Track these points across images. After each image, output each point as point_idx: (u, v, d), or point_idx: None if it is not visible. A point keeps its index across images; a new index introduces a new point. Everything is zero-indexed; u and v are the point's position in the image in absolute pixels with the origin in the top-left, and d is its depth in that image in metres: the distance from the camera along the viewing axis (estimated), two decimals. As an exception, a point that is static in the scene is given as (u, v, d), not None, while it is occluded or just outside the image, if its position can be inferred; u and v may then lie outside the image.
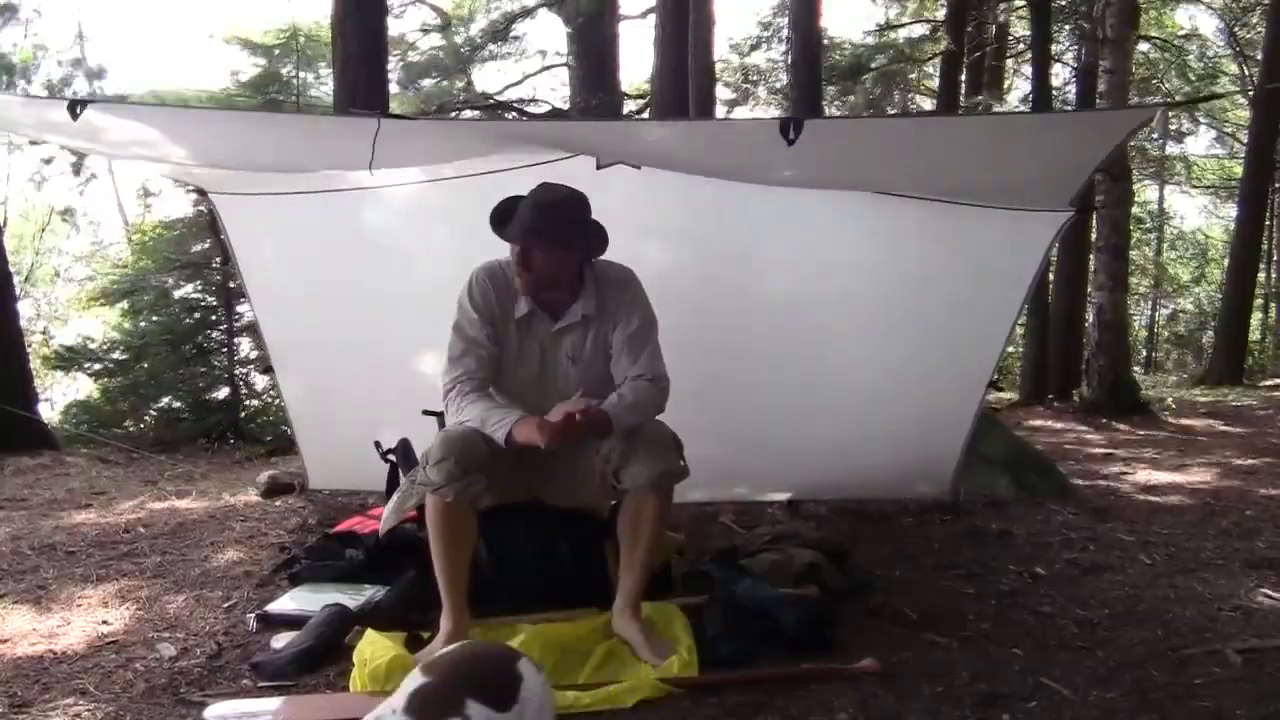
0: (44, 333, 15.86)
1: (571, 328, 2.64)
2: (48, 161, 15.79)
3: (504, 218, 2.59)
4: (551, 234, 2.52)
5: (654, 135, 3.29)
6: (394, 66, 12.33)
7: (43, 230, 19.32)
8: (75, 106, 2.59)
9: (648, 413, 2.55)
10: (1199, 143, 21.51)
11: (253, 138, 3.27)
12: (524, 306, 2.63)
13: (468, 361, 2.58)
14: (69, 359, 8.57)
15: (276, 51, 9.93)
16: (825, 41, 11.95)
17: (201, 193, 3.92)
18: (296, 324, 4.14)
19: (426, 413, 3.26)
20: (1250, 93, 14.31)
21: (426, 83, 14.44)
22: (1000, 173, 3.04)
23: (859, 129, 3.60)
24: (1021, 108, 14.75)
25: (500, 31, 14.52)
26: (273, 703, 2.19)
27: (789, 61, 12.08)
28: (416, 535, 2.89)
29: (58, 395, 12.25)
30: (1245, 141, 15.20)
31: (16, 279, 9.94)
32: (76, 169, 15.68)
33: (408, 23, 14.75)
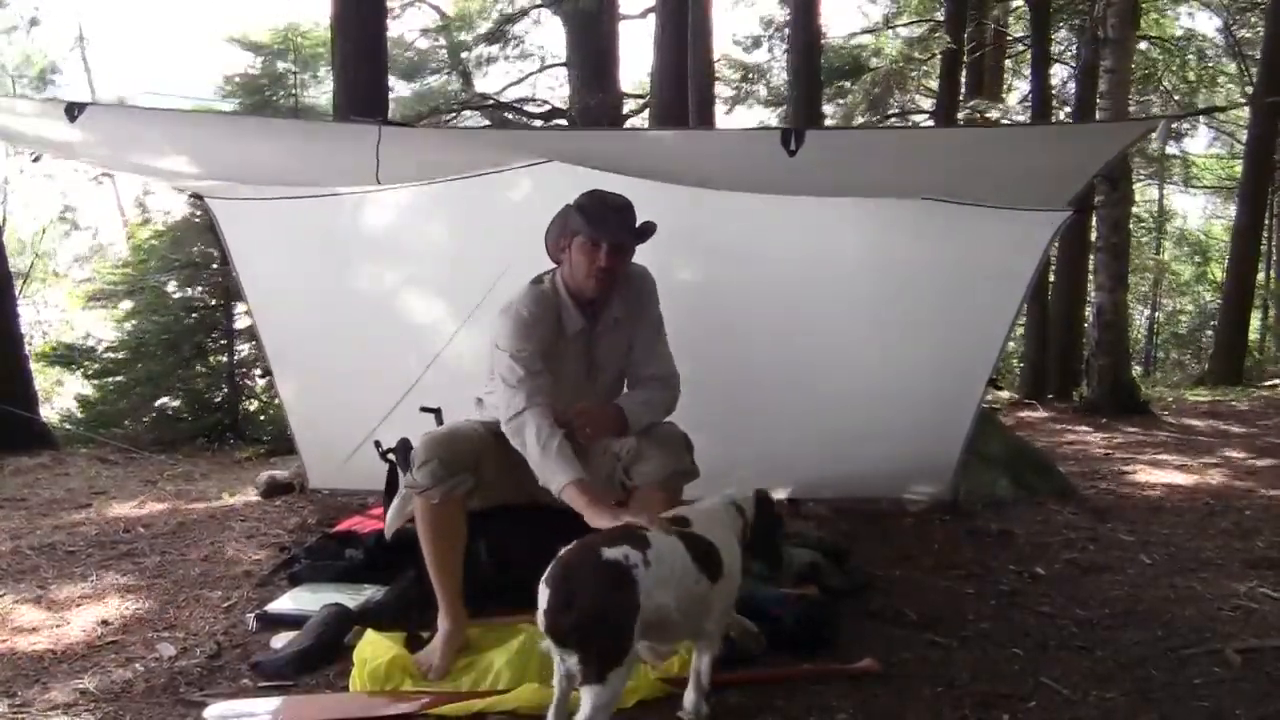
0: (45, 336, 15.84)
1: (607, 331, 2.66)
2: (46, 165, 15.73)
3: (593, 217, 2.50)
4: (641, 236, 2.55)
5: (656, 145, 3.29)
6: (394, 67, 12.32)
7: (44, 231, 19.29)
8: (73, 109, 2.58)
9: (658, 412, 2.58)
10: (1198, 142, 21.55)
11: (252, 149, 3.24)
12: (577, 320, 2.59)
13: (535, 383, 2.43)
14: (67, 356, 8.57)
15: (276, 48, 9.91)
16: (824, 40, 11.96)
17: (199, 196, 3.91)
18: (295, 325, 4.13)
19: (424, 409, 3.27)
20: (1250, 101, 14.28)
21: (426, 82, 14.44)
22: (1001, 181, 3.03)
23: (859, 139, 3.61)
24: (1020, 111, 14.72)
25: (498, 33, 14.51)
26: (272, 702, 2.19)
27: (788, 61, 12.11)
28: (416, 535, 2.88)
29: (58, 395, 12.23)
30: (1244, 141, 15.20)
31: (17, 281, 9.91)
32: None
33: (407, 23, 14.75)
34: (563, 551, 1.96)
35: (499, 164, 3.19)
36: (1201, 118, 19.79)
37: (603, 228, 2.49)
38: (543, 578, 1.90)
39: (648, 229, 2.56)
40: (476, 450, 2.47)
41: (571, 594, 1.84)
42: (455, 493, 2.41)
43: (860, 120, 13.55)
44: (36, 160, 3.33)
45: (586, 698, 1.82)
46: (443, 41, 14.94)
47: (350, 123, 3.06)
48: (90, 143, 3.01)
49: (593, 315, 2.63)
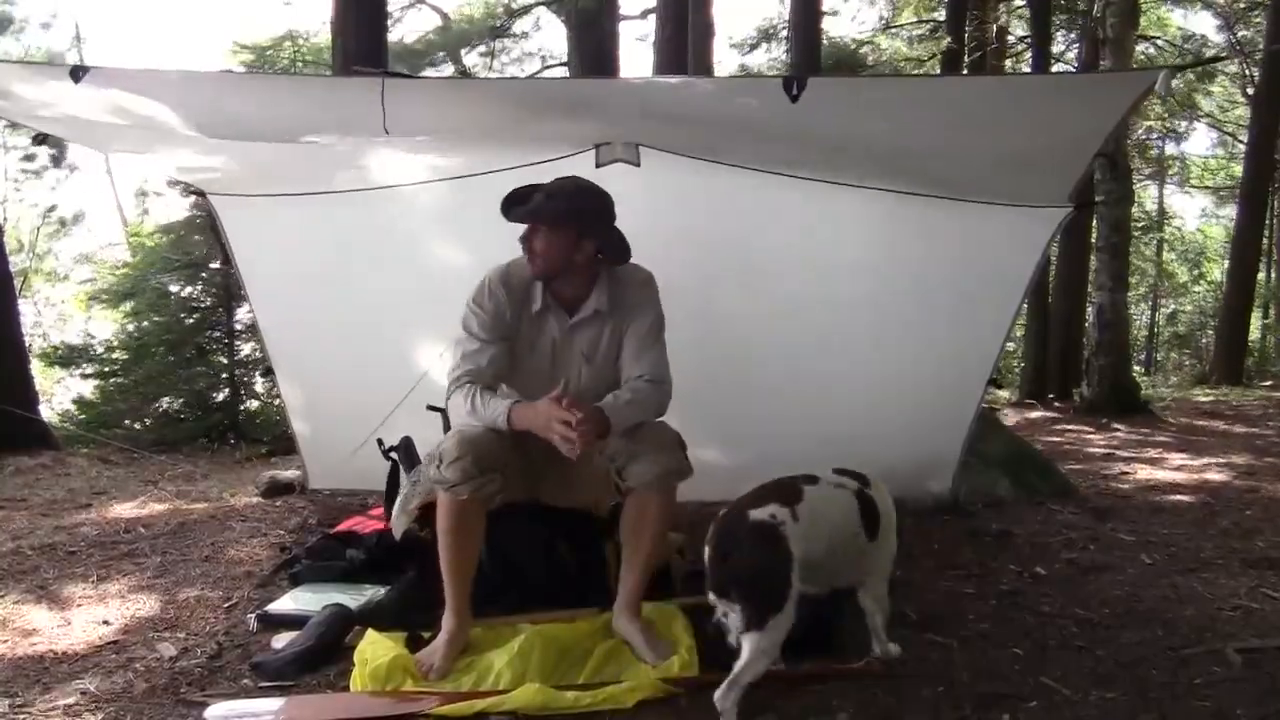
0: (44, 336, 15.85)
1: (586, 324, 2.64)
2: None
3: (516, 202, 2.57)
4: (551, 217, 2.52)
5: (661, 90, 3.23)
6: (393, 67, 12.29)
7: (38, 231, 19.31)
8: (77, 72, 2.56)
9: (647, 412, 2.54)
10: (1197, 144, 21.57)
11: (260, 104, 3.20)
12: (539, 302, 2.62)
13: (478, 358, 2.54)
14: (69, 357, 8.57)
15: (279, 53, 9.91)
16: (824, 41, 11.95)
17: (201, 194, 3.90)
18: (296, 324, 4.13)
19: (431, 408, 3.27)
20: (1256, 55, 14.22)
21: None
22: (1003, 140, 2.97)
23: (861, 88, 3.55)
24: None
25: (499, 29, 14.52)
26: (273, 703, 2.19)
27: (788, 62, 12.11)
28: (417, 535, 2.89)
29: (58, 396, 12.23)
30: (1245, 141, 15.20)
31: (17, 281, 9.91)
32: (56, 160, 15.67)
33: (408, 25, 14.77)
34: (718, 516, 2.20)
35: (501, 148, 3.15)
36: (1202, 118, 19.81)
37: (506, 216, 2.58)
38: (706, 539, 2.15)
39: (536, 208, 2.55)
40: (504, 450, 2.46)
41: (726, 552, 2.08)
42: (483, 491, 2.41)
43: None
44: (41, 142, 3.28)
45: (746, 643, 1.98)
46: (442, 43, 14.95)
47: (354, 74, 3.03)
48: (93, 110, 2.95)
49: (561, 303, 2.63)
